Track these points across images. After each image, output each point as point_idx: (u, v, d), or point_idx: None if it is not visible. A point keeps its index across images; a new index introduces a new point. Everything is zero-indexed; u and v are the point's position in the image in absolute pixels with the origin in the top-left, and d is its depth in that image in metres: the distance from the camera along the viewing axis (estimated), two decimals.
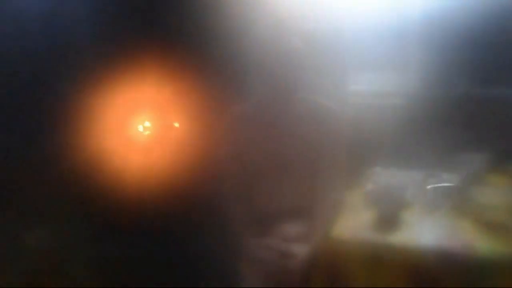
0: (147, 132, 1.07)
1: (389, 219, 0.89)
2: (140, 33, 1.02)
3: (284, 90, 0.93)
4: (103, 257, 1.06)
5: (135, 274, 1.05)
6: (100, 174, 1.01)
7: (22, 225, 1.05)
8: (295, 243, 0.91)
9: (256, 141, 0.96)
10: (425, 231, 0.87)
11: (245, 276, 0.94)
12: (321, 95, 0.96)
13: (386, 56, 1.13)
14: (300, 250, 0.89)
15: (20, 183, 1.03)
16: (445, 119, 1.08)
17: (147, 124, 1.07)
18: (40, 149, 1.02)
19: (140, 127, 1.07)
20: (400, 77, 1.18)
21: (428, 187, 0.93)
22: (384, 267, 0.83)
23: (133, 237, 1.04)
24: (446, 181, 0.92)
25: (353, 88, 1.15)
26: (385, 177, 0.97)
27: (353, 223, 0.89)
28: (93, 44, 1.03)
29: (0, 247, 1.05)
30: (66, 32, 1.01)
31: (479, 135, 1.06)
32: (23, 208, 1.05)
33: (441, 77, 1.13)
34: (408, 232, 0.86)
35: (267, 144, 0.96)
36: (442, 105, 1.10)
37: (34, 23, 0.99)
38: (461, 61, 1.11)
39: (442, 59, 1.12)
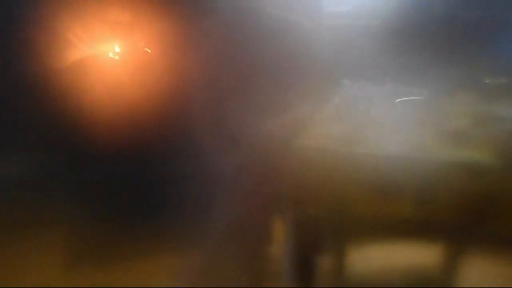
0: (117, 57, 1.06)
1: (356, 131, 0.91)
2: None
3: (253, 6, 0.92)
4: (80, 182, 1.08)
5: (115, 196, 1.07)
6: (70, 101, 1.00)
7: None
8: (263, 155, 0.93)
9: (224, 60, 0.96)
10: (391, 142, 0.88)
11: (218, 193, 0.97)
12: (292, 11, 0.95)
13: None
14: (267, 161, 0.91)
15: None
16: (418, 38, 1.07)
17: (117, 49, 1.05)
18: (12, 77, 1.00)
19: (110, 53, 1.05)
20: None
21: (397, 100, 0.94)
22: (349, 175, 0.85)
23: (108, 163, 1.05)
24: (416, 95, 0.93)
25: (327, 9, 1.12)
26: (353, 90, 0.97)
27: (320, 134, 0.91)
28: None
29: None
30: None
31: (452, 55, 1.06)
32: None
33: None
34: (375, 143, 0.88)
35: (236, 62, 0.95)
36: (416, 25, 1.09)
37: None
38: None
39: None
